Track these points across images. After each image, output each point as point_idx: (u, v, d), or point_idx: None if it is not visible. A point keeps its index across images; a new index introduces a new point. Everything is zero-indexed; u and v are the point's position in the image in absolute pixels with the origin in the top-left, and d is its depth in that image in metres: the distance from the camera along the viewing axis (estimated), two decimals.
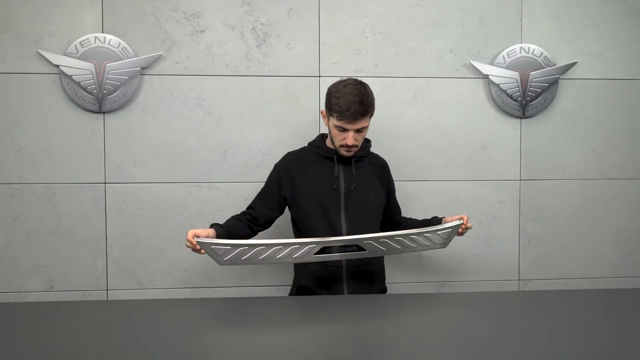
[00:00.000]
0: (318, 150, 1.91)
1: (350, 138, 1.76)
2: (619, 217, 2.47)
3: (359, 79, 1.82)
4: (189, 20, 2.25)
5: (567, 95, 2.43)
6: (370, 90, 1.79)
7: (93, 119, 2.23)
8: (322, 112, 1.86)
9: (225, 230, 1.75)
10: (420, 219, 2.04)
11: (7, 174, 2.20)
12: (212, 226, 1.73)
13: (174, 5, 2.24)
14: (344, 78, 1.83)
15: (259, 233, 1.93)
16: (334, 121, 1.77)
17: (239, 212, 1.92)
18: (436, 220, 1.92)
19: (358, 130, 1.77)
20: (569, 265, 2.47)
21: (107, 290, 2.27)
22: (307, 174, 1.88)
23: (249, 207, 1.93)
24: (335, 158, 1.87)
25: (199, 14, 2.25)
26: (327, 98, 1.79)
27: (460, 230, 1.78)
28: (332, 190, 1.85)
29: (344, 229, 1.83)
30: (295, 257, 1.61)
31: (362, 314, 1.54)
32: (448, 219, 1.87)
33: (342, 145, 1.80)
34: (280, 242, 1.59)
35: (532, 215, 2.44)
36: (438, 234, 1.72)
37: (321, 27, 2.31)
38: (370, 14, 2.33)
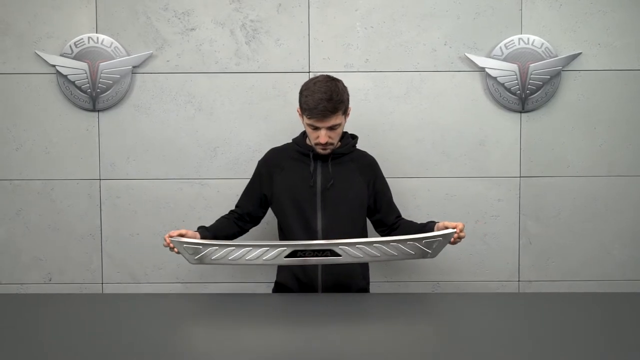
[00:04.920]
0: (297, 147, 1.89)
1: (323, 136, 1.73)
2: (626, 216, 2.32)
3: (331, 74, 1.79)
4: (179, 18, 2.27)
5: (570, 88, 2.30)
6: (343, 87, 1.75)
7: (87, 117, 2.29)
8: (297, 110, 1.83)
9: (211, 232, 1.80)
10: (419, 222, 1.88)
11: (9, 170, 2.29)
12: (198, 229, 1.79)
13: (165, 4, 2.27)
14: (317, 75, 1.80)
15: (250, 230, 1.98)
16: (305, 119, 1.75)
17: (229, 209, 1.97)
18: (430, 227, 1.77)
19: (331, 128, 1.73)
20: (573, 267, 2.34)
21: (102, 283, 2.33)
22: (284, 170, 1.87)
23: (236, 205, 1.97)
24: (311, 155, 1.84)
25: (189, 12, 2.27)
26: (299, 96, 1.77)
27: (452, 240, 1.65)
28: (308, 188, 1.82)
29: (319, 227, 1.81)
30: (265, 260, 1.61)
31: (339, 315, 1.51)
32: (441, 224, 1.72)
33: (316, 144, 1.78)
34: (250, 244, 1.60)
35: (533, 213, 2.33)
36: (423, 243, 1.60)
37: (311, 22, 2.28)
38: (361, 8, 2.28)
